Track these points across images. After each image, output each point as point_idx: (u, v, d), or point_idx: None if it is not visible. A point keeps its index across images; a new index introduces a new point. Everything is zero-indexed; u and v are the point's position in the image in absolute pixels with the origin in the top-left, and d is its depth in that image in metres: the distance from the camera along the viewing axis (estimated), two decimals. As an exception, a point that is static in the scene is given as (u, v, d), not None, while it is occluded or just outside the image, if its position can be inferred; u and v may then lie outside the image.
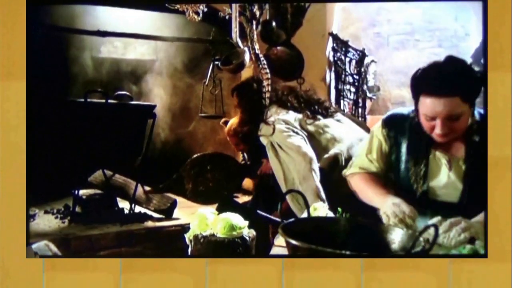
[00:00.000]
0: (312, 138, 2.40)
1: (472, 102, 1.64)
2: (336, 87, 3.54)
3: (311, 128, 2.44)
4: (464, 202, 1.64)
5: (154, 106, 2.94)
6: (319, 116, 2.51)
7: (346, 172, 1.85)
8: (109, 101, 2.77)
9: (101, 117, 2.75)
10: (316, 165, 2.27)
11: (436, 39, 5.89)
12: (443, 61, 1.66)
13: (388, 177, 1.77)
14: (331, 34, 3.46)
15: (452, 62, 1.65)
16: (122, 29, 3.37)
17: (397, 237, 1.28)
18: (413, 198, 1.68)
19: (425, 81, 1.67)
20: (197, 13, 2.44)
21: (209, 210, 2.18)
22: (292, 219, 1.21)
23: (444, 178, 1.68)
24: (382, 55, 3.70)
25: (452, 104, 1.59)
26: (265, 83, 2.57)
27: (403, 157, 1.72)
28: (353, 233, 1.26)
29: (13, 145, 1.85)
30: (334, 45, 3.50)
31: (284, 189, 2.31)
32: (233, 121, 2.85)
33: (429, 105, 1.59)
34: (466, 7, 3.90)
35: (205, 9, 2.45)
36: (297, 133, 2.37)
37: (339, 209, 1.82)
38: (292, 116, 2.39)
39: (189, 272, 1.80)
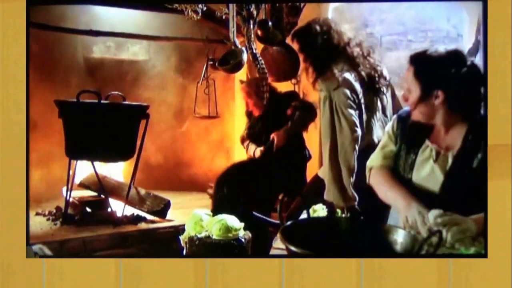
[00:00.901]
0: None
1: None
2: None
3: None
4: (445, 194, 1.64)
5: (148, 107, 2.90)
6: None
7: (369, 164, 1.84)
8: (102, 101, 2.73)
9: (93, 117, 2.71)
10: (357, 147, 2.22)
11: (428, 40, 5.91)
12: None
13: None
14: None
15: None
16: (115, 29, 3.34)
17: (399, 238, 1.27)
18: None
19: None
20: (196, 12, 2.42)
21: (204, 212, 2.16)
22: (291, 222, 1.19)
23: (428, 169, 1.68)
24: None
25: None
26: (263, 82, 2.55)
27: (401, 146, 1.74)
28: (354, 233, 1.25)
29: (13, 145, 1.83)
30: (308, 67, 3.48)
31: (326, 154, 2.25)
32: None
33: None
34: (458, 8, 3.90)
35: (204, 8, 2.42)
36: (356, 106, 2.27)
37: (338, 210, 1.81)
38: (358, 87, 2.28)
39: (189, 272, 1.78)
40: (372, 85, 2.31)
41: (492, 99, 1.73)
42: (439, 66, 1.65)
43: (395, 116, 1.81)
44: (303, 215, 1.53)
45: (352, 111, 2.23)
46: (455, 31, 5.34)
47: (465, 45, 3.73)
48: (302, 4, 2.79)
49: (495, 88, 1.74)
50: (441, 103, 1.64)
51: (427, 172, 1.67)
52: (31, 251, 1.84)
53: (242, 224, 2.06)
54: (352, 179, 2.21)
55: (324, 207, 1.80)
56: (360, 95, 2.25)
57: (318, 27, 2.33)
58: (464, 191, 1.59)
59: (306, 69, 2.37)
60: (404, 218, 1.54)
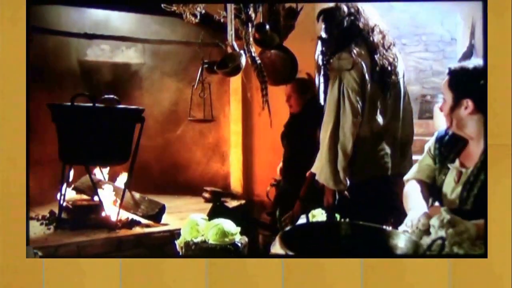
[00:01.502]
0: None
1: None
2: (325, 91, 3.53)
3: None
4: (462, 207, 1.66)
5: (143, 110, 2.88)
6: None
7: (405, 177, 1.88)
8: (97, 104, 2.71)
9: (88, 121, 2.68)
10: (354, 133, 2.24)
11: (422, 44, 5.96)
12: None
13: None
14: (319, 37, 3.45)
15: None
16: (109, 32, 3.32)
17: (400, 243, 1.27)
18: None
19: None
20: (195, 15, 2.40)
21: (200, 216, 2.14)
22: (291, 227, 1.17)
23: (450, 189, 1.71)
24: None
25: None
26: (262, 86, 2.53)
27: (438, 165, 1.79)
28: (354, 237, 1.24)
29: (14, 146, 1.85)
30: (323, 48, 3.48)
31: (326, 135, 2.28)
32: None
33: None
34: (452, 12, 3.90)
35: (203, 11, 2.41)
36: (362, 95, 2.29)
37: (337, 214, 1.81)
38: (368, 77, 2.29)
39: (189, 272, 1.78)
40: (383, 77, 2.32)
41: (492, 99, 1.74)
42: (471, 76, 1.67)
43: (435, 134, 1.85)
44: (302, 220, 1.52)
45: (358, 98, 2.25)
46: (449, 35, 5.37)
47: (459, 49, 3.75)
48: (299, 7, 2.78)
49: (495, 88, 1.75)
50: (470, 112, 1.66)
51: (451, 191, 1.70)
52: (31, 251, 1.84)
53: (239, 229, 2.05)
54: (345, 164, 2.23)
55: (323, 212, 1.80)
56: (368, 86, 2.27)
57: (346, 9, 2.36)
58: (480, 204, 1.61)
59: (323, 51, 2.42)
60: (409, 220, 1.56)
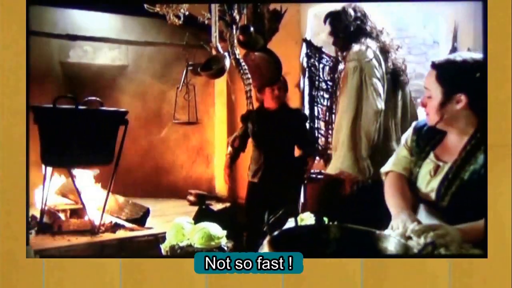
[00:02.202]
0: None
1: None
2: (310, 93, 3.54)
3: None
4: (440, 201, 1.65)
5: (126, 112, 2.84)
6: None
7: (382, 169, 1.85)
8: (79, 107, 2.67)
9: (71, 123, 2.64)
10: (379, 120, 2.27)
11: (406, 46, 5.99)
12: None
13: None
14: (304, 40, 3.46)
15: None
16: (92, 33, 3.27)
17: (390, 246, 1.26)
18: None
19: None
20: (178, 17, 2.38)
21: (186, 220, 2.12)
22: (279, 231, 1.16)
23: (426, 182, 1.69)
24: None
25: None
26: (247, 88, 2.53)
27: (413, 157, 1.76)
28: (344, 241, 1.23)
29: (14, 146, 1.84)
30: (308, 51, 3.50)
31: (347, 124, 2.29)
32: None
33: None
34: (434, 15, 3.94)
35: (187, 13, 2.39)
36: (382, 81, 2.35)
37: (325, 218, 1.80)
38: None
39: (189, 272, 1.78)
40: (395, 77, 2.37)
41: (492, 99, 1.75)
42: (463, 70, 1.64)
43: (412, 125, 1.83)
44: (291, 224, 1.51)
45: (379, 83, 2.28)
46: (431, 38, 5.42)
47: (441, 52, 3.78)
48: (283, 10, 2.78)
49: (495, 88, 1.75)
50: (463, 107, 1.63)
51: (425, 184, 1.67)
52: (31, 251, 1.85)
53: (225, 232, 2.04)
54: (370, 151, 2.25)
55: (312, 215, 1.79)
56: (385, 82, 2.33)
57: (352, 12, 2.39)
58: (458, 203, 1.60)
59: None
60: (391, 224, 1.54)
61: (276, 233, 1.16)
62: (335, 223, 1.56)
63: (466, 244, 1.46)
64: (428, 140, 1.72)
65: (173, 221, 2.13)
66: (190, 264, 1.69)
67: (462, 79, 1.63)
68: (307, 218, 1.78)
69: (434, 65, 1.67)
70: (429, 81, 1.68)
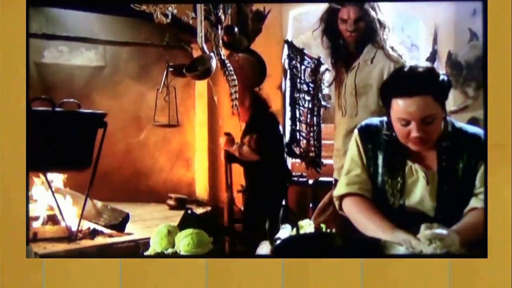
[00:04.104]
0: None
1: (443, 102, 1.63)
2: (292, 95, 3.52)
3: None
4: (439, 217, 1.62)
5: (105, 115, 2.77)
6: None
7: (335, 193, 1.77)
8: (56, 109, 2.58)
9: (47, 126, 2.55)
10: None
11: (384, 49, 6.05)
12: (410, 66, 1.68)
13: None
14: (286, 41, 3.44)
15: (419, 66, 1.66)
16: (68, 32, 3.18)
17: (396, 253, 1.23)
18: (390, 212, 1.64)
19: (396, 83, 1.66)
20: (166, 15, 2.31)
21: (170, 225, 2.06)
22: (281, 239, 1.11)
23: (420, 193, 1.65)
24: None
25: (425, 103, 1.58)
26: (232, 90, 2.49)
27: (380, 169, 1.68)
28: (347, 249, 1.19)
29: (13, 146, 1.87)
30: (290, 52, 3.48)
31: None
32: None
33: (402, 107, 1.58)
34: (414, 18, 3.96)
35: (175, 11, 2.33)
36: None
37: (323, 225, 1.77)
38: None
39: (189, 272, 1.77)
40: None
41: (492, 99, 1.75)
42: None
43: (355, 133, 1.76)
44: (287, 231, 1.47)
45: None
46: (409, 41, 5.46)
47: (421, 55, 3.80)
48: (266, 11, 2.76)
49: (495, 88, 1.76)
50: None
51: (419, 196, 1.65)
52: (31, 251, 1.86)
53: (211, 239, 1.98)
54: None
55: (311, 222, 1.76)
56: None
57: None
58: (456, 205, 1.59)
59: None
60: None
61: (278, 241, 1.11)
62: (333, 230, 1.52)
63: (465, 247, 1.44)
64: (396, 147, 1.69)
65: (153, 226, 2.09)
66: (190, 264, 1.73)
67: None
68: (306, 226, 1.74)
69: None
70: None
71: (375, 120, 1.75)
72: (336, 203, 1.74)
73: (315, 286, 1.72)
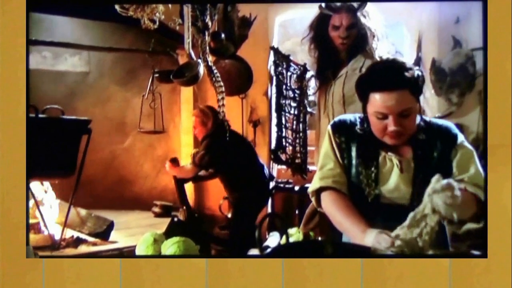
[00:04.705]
0: None
1: (418, 96, 1.66)
2: (278, 102, 3.52)
3: None
4: (414, 204, 1.62)
5: (89, 121, 2.74)
6: None
7: (309, 189, 1.76)
8: (39, 115, 2.54)
9: (30, 132, 2.51)
10: None
11: (368, 56, 6.10)
12: (386, 59, 1.71)
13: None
14: (272, 48, 3.45)
15: (395, 60, 1.70)
16: (51, 38, 3.14)
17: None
18: (365, 203, 1.65)
19: (373, 77, 1.68)
20: (153, 21, 2.29)
21: (156, 233, 2.04)
22: (271, 248, 1.10)
23: (395, 180, 1.66)
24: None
25: (402, 97, 1.60)
26: (219, 96, 2.47)
27: (353, 161, 1.69)
28: (338, 257, 1.18)
29: (14, 146, 1.90)
30: (276, 59, 3.48)
31: None
32: None
33: (379, 100, 1.60)
34: (397, 25, 3.99)
35: (162, 17, 2.31)
36: None
37: (311, 233, 1.76)
38: None
39: (189, 272, 1.76)
40: None
41: (492, 99, 1.77)
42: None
43: (328, 128, 1.77)
44: (276, 239, 1.46)
45: None
46: (394, 48, 5.49)
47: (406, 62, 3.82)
48: (252, 17, 2.76)
49: (495, 88, 1.77)
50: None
51: (394, 183, 1.65)
52: (31, 251, 1.87)
53: (198, 247, 1.96)
54: None
55: (300, 230, 1.75)
56: None
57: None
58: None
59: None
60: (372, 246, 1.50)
61: (269, 250, 1.10)
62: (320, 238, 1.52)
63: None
64: (369, 138, 1.70)
65: (138, 234, 2.07)
66: (190, 264, 1.72)
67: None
68: (295, 234, 1.73)
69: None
70: None
71: (349, 116, 1.77)
72: (313, 199, 1.74)
73: (315, 286, 1.73)
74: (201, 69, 2.42)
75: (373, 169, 1.68)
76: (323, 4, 2.51)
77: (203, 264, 1.77)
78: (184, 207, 2.76)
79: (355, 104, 2.53)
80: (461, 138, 1.70)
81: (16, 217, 1.85)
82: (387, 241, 1.43)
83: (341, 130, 1.74)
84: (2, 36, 1.84)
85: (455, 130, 1.72)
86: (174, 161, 3.03)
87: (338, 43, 2.52)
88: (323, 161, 1.75)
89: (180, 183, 3.00)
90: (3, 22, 1.84)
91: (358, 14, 2.48)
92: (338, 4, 2.45)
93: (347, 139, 1.73)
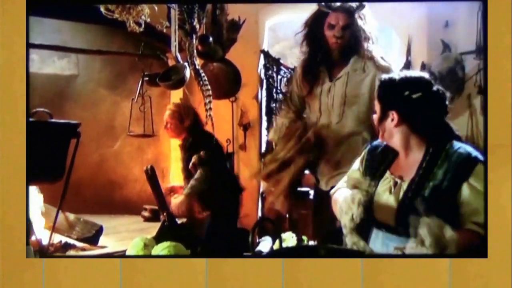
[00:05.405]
0: None
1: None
2: (268, 105, 3.52)
3: None
4: (399, 224, 1.64)
5: (78, 125, 2.71)
6: None
7: (332, 191, 1.83)
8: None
9: (18, 136, 2.48)
10: None
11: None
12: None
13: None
14: (262, 51, 3.45)
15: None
16: (39, 41, 3.11)
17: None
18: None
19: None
20: (139, 24, 2.27)
21: (146, 238, 2.03)
22: (265, 253, 1.09)
23: (384, 200, 1.68)
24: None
25: None
26: (206, 100, 2.46)
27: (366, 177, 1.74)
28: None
29: (13, 146, 1.94)
30: (266, 62, 3.49)
31: None
32: None
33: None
34: (387, 29, 4.01)
35: (148, 20, 2.29)
36: None
37: (304, 237, 1.77)
38: None
39: (189, 272, 1.76)
40: None
41: (492, 99, 1.78)
42: (396, 87, 1.66)
43: (366, 148, 1.83)
44: (268, 243, 1.45)
45: None
46: (383, 51, 5.52)
47: (394, 66, 3.85)
48: (241, 21, 2.77)
49: (495, 88, 1.78)
50: (396, 124, 1.64)
51: (384, 202, 1.67)
52: (31, 251, 1.90)
53: (188, 251, 1.95)
54: None
55: (294, 235, 1.76)
56: None
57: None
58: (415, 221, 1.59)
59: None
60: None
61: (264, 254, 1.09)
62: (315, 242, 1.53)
63: None
64: (382, 159, 1.74)
65: (127, 239, 2.06)
66: (190, 264, 1.73)
67: (394, 97, 1.67)
68: (288, 238, 1.73)
69: (380, 82, 1.72)
70: (376, 98, 1.72)
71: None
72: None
73: (315, 286, 1.74)
74: (188, 73, 2.41)
75: (372, 187, 1.74)
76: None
77: (203, 264, 1.77)
78: (165, 213, 2.72)
79: (358, 105, 2.55)
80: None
81: (16, 217, 1.87)
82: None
83: (373, 149, 1.84)
84: (2, 37, 1.90)
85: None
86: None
87: (332, 42, 2.53)
88: (351, 171, 1.88)
89: (157, 188, 2.96)
90: (3, 25, 1.91)
91: (356, 15, 2.49)
92: (338, 3, 2.47)
93: (370, 157, 1.84)
